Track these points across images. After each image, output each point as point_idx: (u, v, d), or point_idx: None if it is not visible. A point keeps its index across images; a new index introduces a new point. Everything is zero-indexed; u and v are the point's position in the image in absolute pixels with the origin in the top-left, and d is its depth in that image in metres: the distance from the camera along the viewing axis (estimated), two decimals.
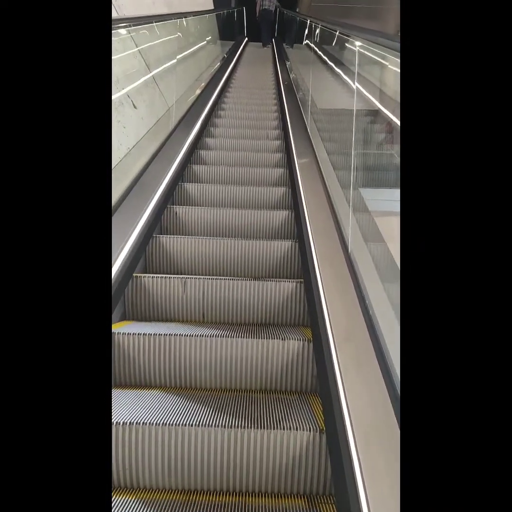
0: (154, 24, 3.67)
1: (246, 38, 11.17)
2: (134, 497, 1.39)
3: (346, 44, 2.86)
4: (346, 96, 2.53)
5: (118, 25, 2.78)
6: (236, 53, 8.76)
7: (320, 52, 4.26)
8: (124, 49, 3.09)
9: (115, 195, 2.46)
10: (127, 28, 3.00)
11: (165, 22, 4.03)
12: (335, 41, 3.43)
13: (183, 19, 4.85)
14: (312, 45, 4.77)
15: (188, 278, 2.25)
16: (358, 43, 2.30)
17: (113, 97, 2.69)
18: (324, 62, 3.93)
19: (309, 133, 3.76)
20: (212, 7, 8.89)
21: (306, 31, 5.96)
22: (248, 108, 5.31)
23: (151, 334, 1.85)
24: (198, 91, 5.10)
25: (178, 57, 4.29)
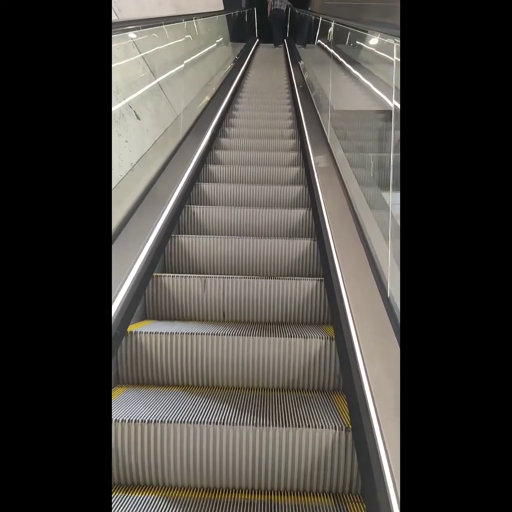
0: (163, 26, 3.50)
1: (257, 39, 11.06)
2: (159, 494, 1.39)
3: (381, 45, 2.44)
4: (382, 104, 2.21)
5: (123, 28, 2.60)
6: (248, 54, 8.61)
7: (343, 54, 3.82)
8: (126, 56, 2.88)
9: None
10: (127, 32, 2.78)
11: (172, 24, 3.79)
12: (364, 41, 3.04)
13: (193, 20, 4.68)
14: (330, 46, 4.32)
15: (208, 277, 2.25)
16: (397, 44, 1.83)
17: (112, 108, 2.48)
18: (350, 64, 3.48)
19: (330, 145, 3.37)
20: (222, 8, 8.69)
21: (322, 30, 5.71)
22: (261, 114, 5.03)
23: (172, 333, 1.85)
24: (207, 98, 4.87)
25: (186, 61, 4.05)
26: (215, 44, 6.66)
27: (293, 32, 11.26)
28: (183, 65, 3.97)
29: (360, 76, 2.94)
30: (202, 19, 5.46)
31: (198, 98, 4.56)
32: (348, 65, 3.48)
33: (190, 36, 4.47)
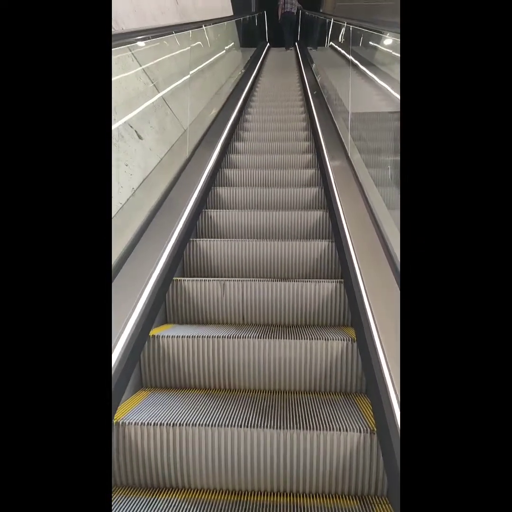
0: (166, 36, 3.23)
1: (268, 43, 10.96)
2: (185, 496, 1.41)
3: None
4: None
5: (121, 41, 2.37)
6: (258, 60, 8.40)
7: (363, 59, 3.55)
8: (123, 69, 2.62)
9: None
10: (129, 45, 2.56)
11: (177, 34, 3.47)
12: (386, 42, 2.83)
13: (203, 27, 4.50)
14: (348, 51, 4.05)
15: (227, 280, 2.27)
16: None
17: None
18: (371, 68, 3.22)
19: (349, 153, 3.11)
20: (232, 13, 8.41)
21: (335, 33, 5.54)
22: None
23: (194, 336, 1.87)
24: (216, 109, 4.61)
25: (192, 72, 3.77)
26: (224, 51, 6.39)
27: (304, 35, 11.21)
28: (189, 76, 3.70)
29: (384, 84, 2.66)
30: (210, 26, 5.18)
31: (206, 110, 4.32)
32: (369, 72, 3.20)
33: (199, 44, 4.30)
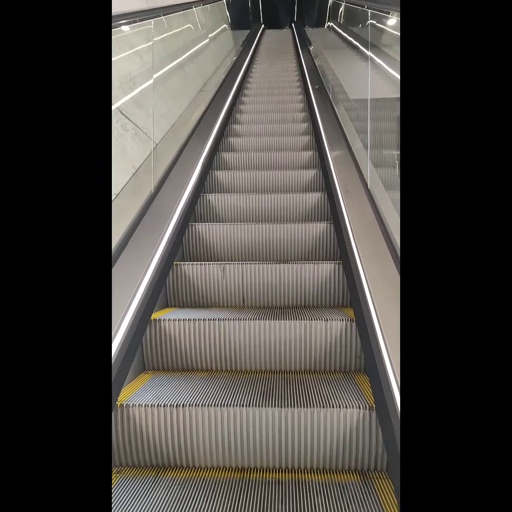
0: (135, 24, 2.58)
1: (263, 25, 10.18)
2: (190, 475, 1.44)
3: None
4: None
5: None
6: (252, 44, 7.62)
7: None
8: None
9: None
10: None
11: (141, 21, 2.71)
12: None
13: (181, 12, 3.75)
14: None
15: (227, 264, 2.28)
16: None
17: None
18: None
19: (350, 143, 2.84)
20: None
21: (348, 13, 4.71)
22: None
23: (195, 319, 1.89)
24: (198, 114, 3.83)
25: (156, 75, 2.95)
26: (208, 40, 5.37)
27: (301, 15, 10.86)
28: (152, 81, 2.83)
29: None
30: (186, 10, 4.27)
31: (184, 116, 3.58)
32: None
33: (174, 33, 3.60)
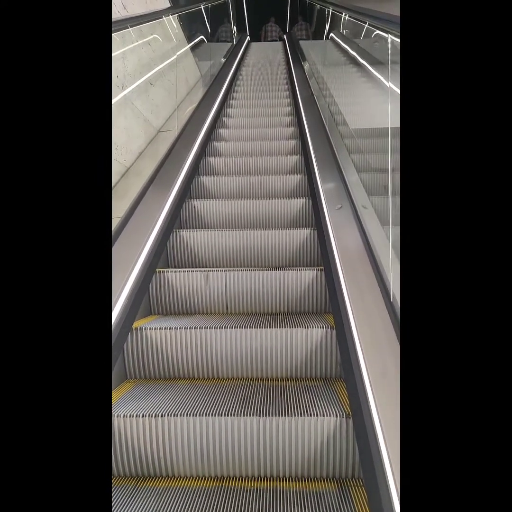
0: None
1: (248, 37, 8.68)
2: (170, 484, 1.45)
3: None
4: None
5: None
6: (231, 66, 6.13)
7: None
8: None
9: None
10: None
11: None
12: None
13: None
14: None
15: (210, 270, 2.29)
16: None
17: None
18: None
19: None
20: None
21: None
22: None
23: (177, 328, 1.90)
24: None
25: None
26: (168, 64, 4.03)
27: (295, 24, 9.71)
28: None
29: None
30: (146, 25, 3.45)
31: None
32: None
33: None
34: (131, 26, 3.18)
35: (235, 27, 9.35)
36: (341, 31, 4.81)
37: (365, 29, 3.10)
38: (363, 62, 3.21)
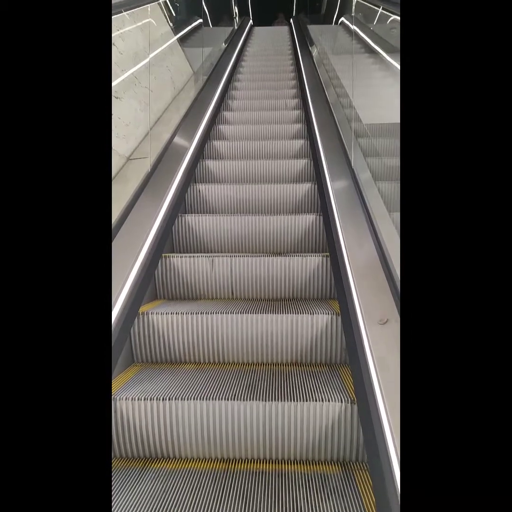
0: None
1: (251, 21, 7.81)
2: (177, 466, 1.48)
3: None
4: None
5: None
6: (231, 56, 5.63)
7: None
8: None
9: None
10: None
11: None
12: None
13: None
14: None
15: (216, 256, 2.30)
16: None
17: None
18: None
19: None
20: None
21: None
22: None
23: (183, 313, 1.91)
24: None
25: None
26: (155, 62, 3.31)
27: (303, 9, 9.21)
28: None
29: None
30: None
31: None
32: None
33: None
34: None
35: (236, 8, 8.60)
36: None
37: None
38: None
